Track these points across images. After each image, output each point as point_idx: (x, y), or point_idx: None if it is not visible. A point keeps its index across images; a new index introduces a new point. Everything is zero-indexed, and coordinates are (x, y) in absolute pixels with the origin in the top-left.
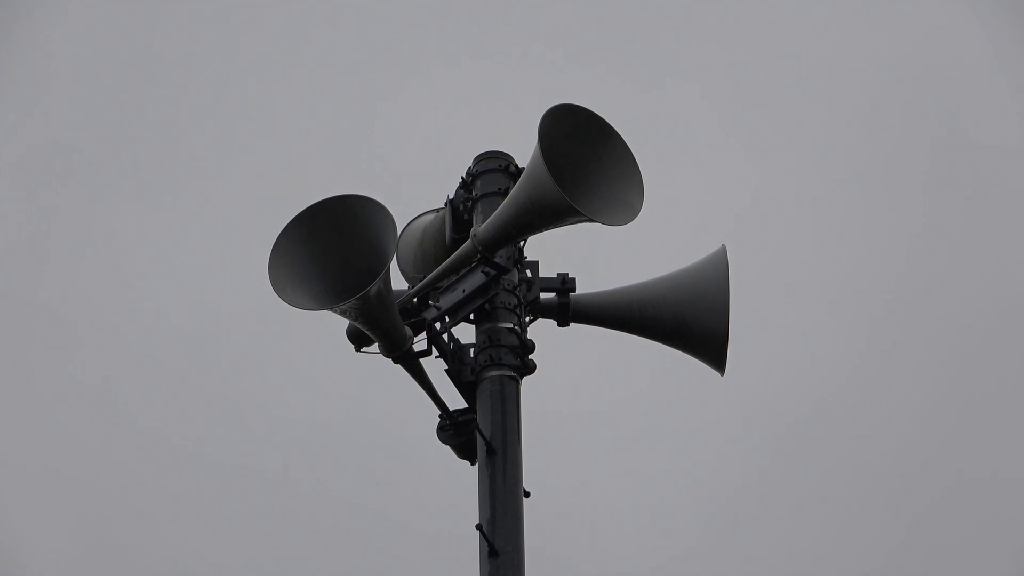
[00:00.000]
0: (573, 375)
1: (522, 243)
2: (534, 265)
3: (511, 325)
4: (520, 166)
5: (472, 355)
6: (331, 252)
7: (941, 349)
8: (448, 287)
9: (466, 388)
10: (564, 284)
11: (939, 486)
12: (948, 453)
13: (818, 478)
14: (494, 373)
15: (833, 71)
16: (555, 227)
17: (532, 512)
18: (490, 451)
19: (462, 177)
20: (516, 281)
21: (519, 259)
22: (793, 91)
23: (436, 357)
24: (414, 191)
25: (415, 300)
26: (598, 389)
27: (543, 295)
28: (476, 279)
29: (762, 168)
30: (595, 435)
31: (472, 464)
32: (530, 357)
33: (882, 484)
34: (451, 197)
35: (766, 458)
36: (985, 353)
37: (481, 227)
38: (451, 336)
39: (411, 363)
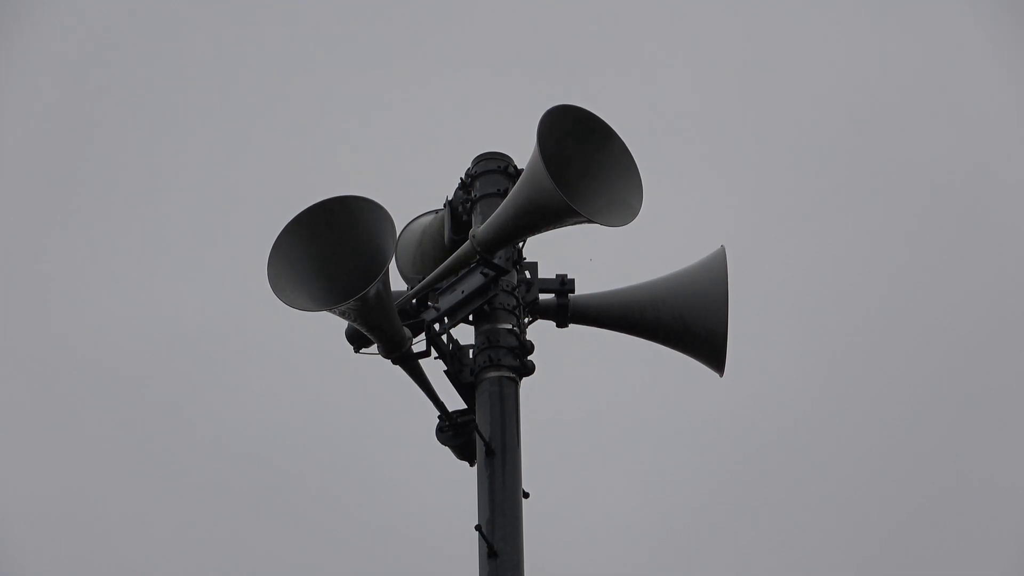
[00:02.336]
0: (570, 376)
1: (521, 244)
2: (533, 266)
3: (510, 326)
4: (519, 167)
5: (471, 356)
6: (330, 253)
7: (918, 366)
8: (447, 288)
9: (465, 389)
10: (563, 285)
11: (912, 505)
12: (924, 470)
13: (787, 495)
14: (493, 374)
15: (831, 78)
16: (554, 228)
17: (531, 513)
18: (489, 452)
19: (461, 178)
20: (515, 282)
21: (518, 260)
22: (791, 95)
23: (435, 358)
24: (413, 192)
25: (414, 301)
26: (585, 391)
27: (542, 296)
28: (475, 280)
29: (760, 170)
30: (581, 438)
31: (471, 465)
32: (529, 358)
33: (855, 503)
34: (450, 198)
35: (739, 471)
36: (966, 371)
37: (480, 228)
38: (450, 337)
39: (410, 364)
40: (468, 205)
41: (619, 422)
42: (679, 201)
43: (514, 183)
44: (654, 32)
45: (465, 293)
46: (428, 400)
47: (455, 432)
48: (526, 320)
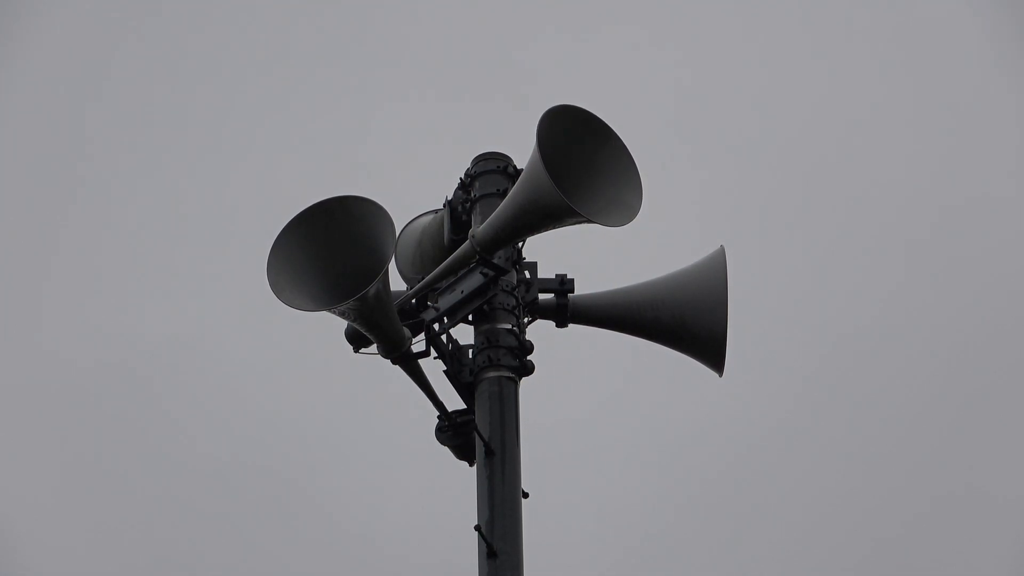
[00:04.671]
0: (570, 376)
1: (521, 244)
2: (532, 266)
3: (510, 326)
4: (519, 167)
5: (471, 356)
6: (329, 253)
7: (908, 375)
8: (447, 288)
9: (465, 389)
10: (562, 285)
11: (881, 531)
12: (915, 480)
13: (779, 495)
14: (492, 374)
15: (828, 80)
16: (554, 228)
17: (530, 513)
18: (489, 452)
19: (460, 178)
20: (515, 282)
21: (518, 260)
22: (788, 97)
23: (435, 358)
24: (413, 192)
25: (414, 301)
26: (583, 391)
27: (542, 296)
28: (475, 280)
29: (760, 170)
30: (580, 438)
31: (471, 465)
32: (529, 358)
33: (845, 506)
34: (450, 198)
35: (732, 471)
36: (960, 378)
37: (480, 228)
38: (450, 337)
39: (410, 364)
40: (467, 205)
41: (613, 422)
42: (679, 201)
43: (514, 183)
44: (654, 30)
45: (465, 293)
46: (427, 400)
47: (455, 432)
48: (526, 320)
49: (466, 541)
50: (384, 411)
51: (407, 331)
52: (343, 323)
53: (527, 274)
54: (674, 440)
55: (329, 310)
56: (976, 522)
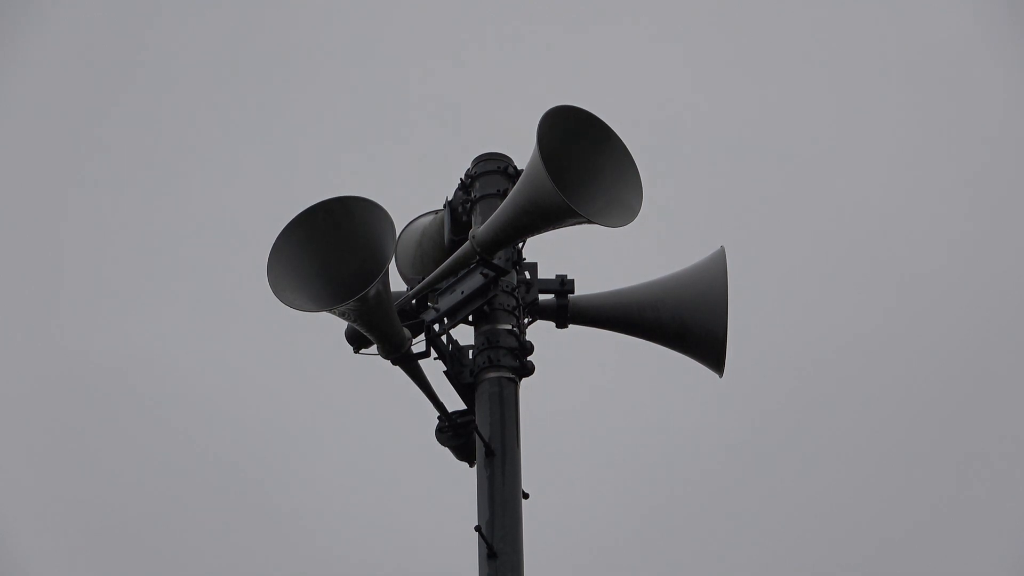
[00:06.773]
0: (570, 377)
1: (521, 245)
2: (533, 267)
3: (510, 327)
4: (519, 168)
5: (471, 357)
6: (330, 254)
7: (885, 391)
8: (447, 289)
9: (465, 390)
10: (563, 286)
11: (880, 535)
12: (893, 503)
13: (775, 495)
14: (493, 375)
15: (825, 77)
16: (554, 229)
17: (530, 513)
18: (489, 453)
19: (461, 179)
20: (515, 283)
21: (518, 261)
22: (786, 97)
23: (435, 359)
24: (413, 192)
25: (414, 302)
26: (583, 391)
27: (542, 297)
28: (475, 281)
29: (760, 168)
30: (580, 438)
31: (471, 466)
32: (529, 359)
33: (844, 505)
34: (450, 199)
35: (729, 470)
36: (958, 380)
37: (480, 229)
38: (450, 338)
39: (410, 365)
40: (468, 206)
41: (612, 422)
42: (679, 201)
43: (514, 184)
44: (653, 29)
45: (465, 294)
46: (428, 401)
47: (455, 433)
48: (526, 321)
49: (466, 541)
50: (383, 412)
51: (407, 332)
52: (343, 324)
53: (527, 275)
54: (672, 441)
55: (329, 310)
56: (973, 529)
